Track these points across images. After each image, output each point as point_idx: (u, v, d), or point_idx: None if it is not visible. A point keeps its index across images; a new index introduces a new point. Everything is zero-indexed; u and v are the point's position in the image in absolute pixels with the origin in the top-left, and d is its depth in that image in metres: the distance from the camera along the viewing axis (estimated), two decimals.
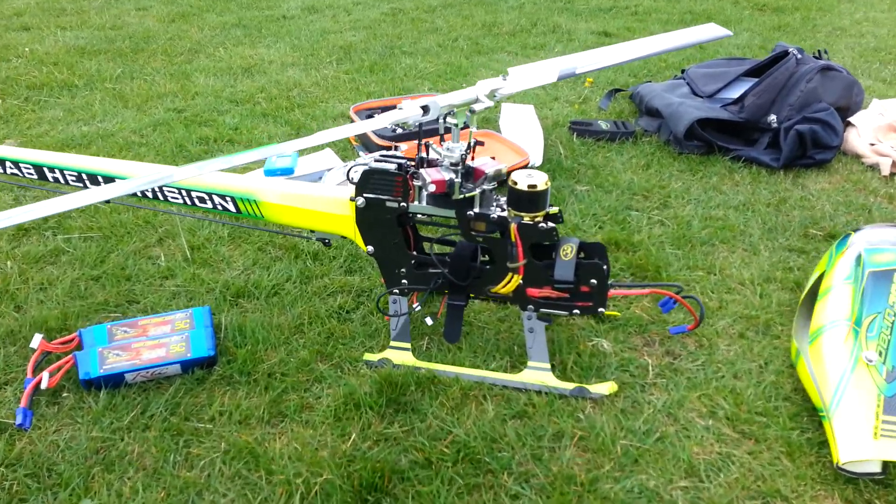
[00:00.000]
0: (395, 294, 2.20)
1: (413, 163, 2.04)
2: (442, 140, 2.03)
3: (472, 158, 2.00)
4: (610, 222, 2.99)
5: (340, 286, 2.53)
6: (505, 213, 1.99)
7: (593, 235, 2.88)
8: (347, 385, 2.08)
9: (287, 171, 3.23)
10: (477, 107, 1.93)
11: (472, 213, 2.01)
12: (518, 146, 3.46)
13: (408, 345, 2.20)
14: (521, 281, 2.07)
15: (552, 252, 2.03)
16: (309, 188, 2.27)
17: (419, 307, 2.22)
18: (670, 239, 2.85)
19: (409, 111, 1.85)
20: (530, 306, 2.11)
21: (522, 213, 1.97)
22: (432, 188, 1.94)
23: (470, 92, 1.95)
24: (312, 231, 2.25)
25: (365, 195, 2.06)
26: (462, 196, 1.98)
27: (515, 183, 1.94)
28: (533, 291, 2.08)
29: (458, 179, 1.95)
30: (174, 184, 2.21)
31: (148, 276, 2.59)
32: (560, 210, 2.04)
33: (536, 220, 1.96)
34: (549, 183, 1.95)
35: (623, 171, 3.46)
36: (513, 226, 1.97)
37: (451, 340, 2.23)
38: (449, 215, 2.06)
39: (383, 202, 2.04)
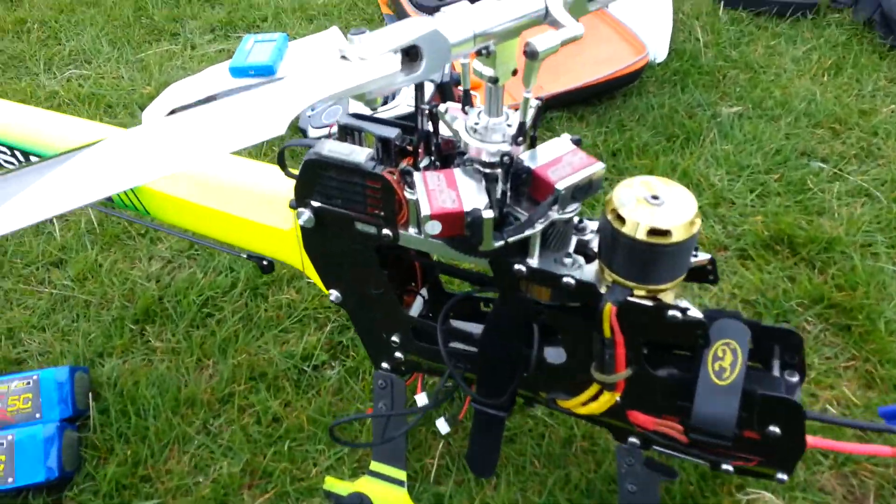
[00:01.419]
0: (384, 373, 1.19)
1: (411, 143, 0.95)
2: (464, 99, 0.91)
3: (530, 141, 0.89)
4: (777, 188, 1.78)
5: (308, 312, 1.52)
6: (593, 273, 0.89)
7: (747, 216, 1.70)
8: None
9: (265, 71, 2.10)
10: (541, 44, 0.74)
11: (522, 267, 0.91)
12: (628, 30, 2.17)
13: (402, 473, 1.22)
14: (617, 399, 1.02)
15: (689, 350, 0.96)
16: (228, 165, 1.19)
17: (426, 401, 1.22)
18: (888, 231, 1.65)
19: None
20: (634, 439, 1.07)
21: (631, 283, 0.86)
22: (433, 228, 0.85)
23: None
24: (232, 246, 1.22)
25: (314, 204, 0.98)
26: (504, 242, 0.86)
27: (618, 216, 0.82)
28: (642, 419, 1.04)
29: (494, 211, 0.85)
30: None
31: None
32: (713, 265, 0.94)
33: (660, 299, 0.86)
34: (697, 221, 0.81)
35: (797, 75, 2.16)
36: (609, 307, 0.86)
37: (480, 473, 1.24)
38: (478, 264, 1.00)
39: (349, 222, 0.97)
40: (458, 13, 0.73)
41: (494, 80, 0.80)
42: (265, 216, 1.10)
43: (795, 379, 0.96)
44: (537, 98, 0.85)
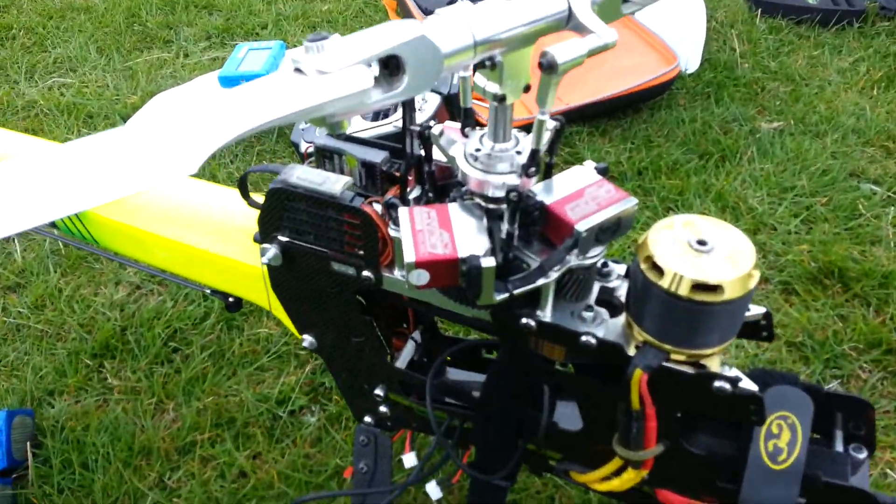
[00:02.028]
0: (367, 428, 1.02)
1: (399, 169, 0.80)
2: (463, 119, 0.75)
3: (546, 170, 0.73)
4: (825, 213, 1.60)
5: (288, 347, 1.36)
6: (618, 329, 0.72)
7: (791, 245, 1.52)
8: None
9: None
10: (561, 54, 0.58)
11: (530, 322, 0.74)
12: (657, 38, 2.01)
13: None
14: (645, 476, 0.83)
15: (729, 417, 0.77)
16: (187, 189, 1.04)
17: (414, 461, 1.06)
18: None
19: None
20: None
21: (668, 346, 0.68)
22: (420, 279, 0.68)
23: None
24: (193, 281, 1.07)
25: (281, 239, 0.83)
26: (508, 295, 0.69)
27: (654, 265, 0.64)
28: (674, 499, 0.86)
29: (497, 257, 0.68)
30: None
31: None
32: (769, 320, 0.76)
33: (704, 365, 0.67)
34: (755, 274, 0.63)
35: (843, 88, 1.98)
36: (638, 375, 0.68)
37: None
38: (477, 314, 0.84)
39: (323, 261, 0.82)
40: (454, 14, 0.57)
41: (501, 99, 0.64)
42: (227, 249, 0.95)
43: (863, 455, 0.78)
44: (555, 118, 0.69)
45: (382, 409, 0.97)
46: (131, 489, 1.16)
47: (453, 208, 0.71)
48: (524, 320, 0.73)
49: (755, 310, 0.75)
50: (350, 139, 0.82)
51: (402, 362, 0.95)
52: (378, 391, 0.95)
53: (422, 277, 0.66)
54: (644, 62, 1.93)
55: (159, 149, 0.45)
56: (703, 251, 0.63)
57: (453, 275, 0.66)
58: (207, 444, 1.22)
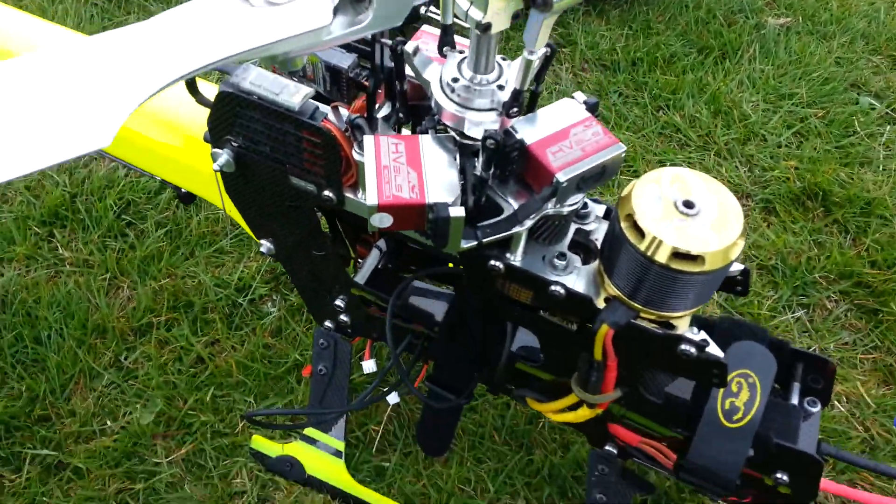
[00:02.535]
0: (327, 331, 1.02)
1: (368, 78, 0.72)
2: (442, 37, 0.68)
3: (531, 99, 0.69)
4: (819, 127, 1.55)
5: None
6: (590, 277, 0.70)
7: (779, 160, 1.49)
8: None
9: None
10: None
11: (499, 264, 0.71)
12: None
13: (339, 443, 1.08)
14: (599, 413, 0.86)
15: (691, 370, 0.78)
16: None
17: (374, 368, 1.07)
18: None
19: None
20: (611, 448, 0.94)
21: (638, 305, 0.67)
22: (381, 221, 0.64)
23: None
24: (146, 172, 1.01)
25: (234, 144, 0.77)
26: (477, 243, 0.66)
27: (635, 224, 0.61)
28: (625, 434, 0.89)
29: (469, 199, 0.65)
30: None
31: None
32: (746, 276, 0.75)
33: (673, 325, 0.67)
34: (740, 243, 0.61)
35: None
36: (604, 330, 0.67)
37: (432, 453, 1.10)
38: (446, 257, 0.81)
39: (280, 174, 0.76)
40: None
41: (485, 28, 0.57)
42: (175, 142, 0.88)
43: (816, 409, 0.80)
44: (546, 44, 0.61)
45: (343, 317, 0.96)
46: (86, 367, 1.16)
47: (424, 141, 0.65)
48: (492, 262, 0.70)
49: (734, 266, 0.74)
50: None
51: (363, 274, 0.92)
52: (338, 302, 0.93)
53: (384, 220, 0.62)
54: None
55: (73, 119, 0.38)
56: (689, 214, 0.59)
57: (419, 220, 0.62)
58: (164, 326, 1.21)
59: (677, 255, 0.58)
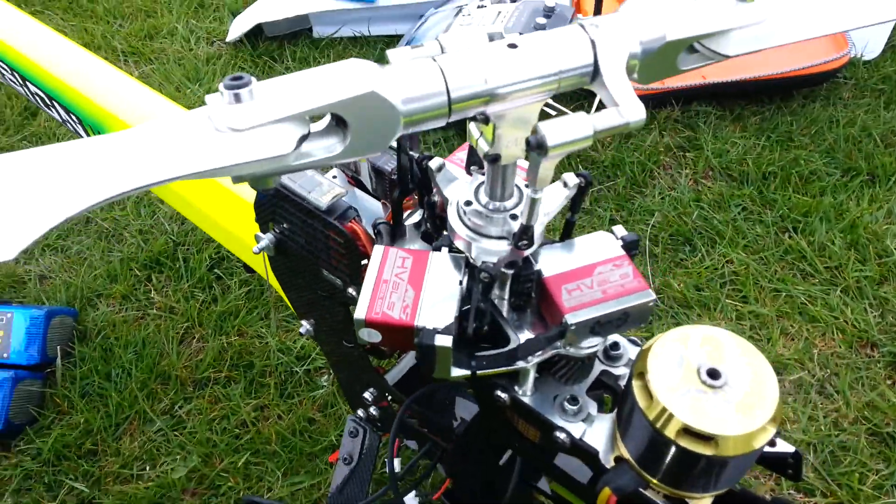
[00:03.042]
0: (357, 420, 1.01)
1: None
2: (469, 156, 0.67)
3: (566, 228, 0.68)
4: None
5: None
6: (603, 432, 0.63)
7: None
8: None
9: None
10: (555, 134, 0.47)
11: (504, 396, 0.66)
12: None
13: None
14: None
15: None
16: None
17: (398, 468, 1.03)
18: None
19: None
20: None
21: (648, 476, 0.58)
22: (370, 337, 0.62)
23: None
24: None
25: (275, 230, 0.81)
26: (471, 374, 0.62)
27: (646, 386, 0.54)
28: None
29: (470, 326, 0.62)
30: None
31: None
32: (797, 461, 0.63)
33: None
34: (769, 429, 0.51)
35: None
36: (606, 494, 0.59)
37: None
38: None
39: (314, 265, 0.80)
40: (423, 63, 0.46)
41: (493, 159, 0.54)
42: (231, 220, 0.93)
43: None
44: (580, 174, 0.58)
45: (372, 410, 0.94)
46: (142, 410, 1.22)
47: (434, 259, 0.62)
48: (498, 392, 0.65)
49: (783, 446, 0.63)
50: None
51: (396, 373, 0.91)
52: (366, 395, 0.92)
53: (373, 336, 0.60)
54: (808, 43, 1.65)
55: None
56: (712, 386, 0.51)
57: (407, 341, 0.59)
58: (222, 382, 1.25)
59: (688, 432, 0.50)
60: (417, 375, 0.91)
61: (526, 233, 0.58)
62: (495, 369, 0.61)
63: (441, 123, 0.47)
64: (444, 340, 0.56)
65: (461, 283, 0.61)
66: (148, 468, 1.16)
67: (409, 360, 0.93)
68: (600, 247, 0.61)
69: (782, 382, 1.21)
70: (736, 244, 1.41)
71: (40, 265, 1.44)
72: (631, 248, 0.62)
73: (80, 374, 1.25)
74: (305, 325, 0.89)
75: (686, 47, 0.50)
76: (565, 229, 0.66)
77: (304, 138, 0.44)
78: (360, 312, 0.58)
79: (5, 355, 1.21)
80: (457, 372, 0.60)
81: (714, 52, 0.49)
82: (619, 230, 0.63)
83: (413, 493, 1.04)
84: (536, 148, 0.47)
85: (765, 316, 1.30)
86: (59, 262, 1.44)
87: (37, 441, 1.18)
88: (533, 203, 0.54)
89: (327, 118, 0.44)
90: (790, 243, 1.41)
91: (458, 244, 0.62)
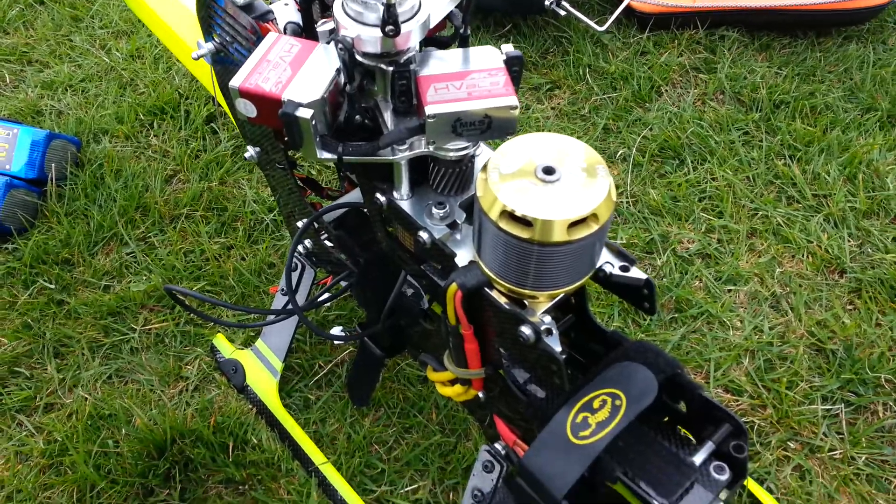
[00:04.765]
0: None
1: None
2: None
3: (461, 42, 0.72)
4: None
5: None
6: (466, 234, 0.71)
7: None
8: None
9: None
10: None
11: (381, 198, 0.74)
12: None
13: (279, 363, 1.14)
14: (479, 395, 0.83)
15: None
16: None
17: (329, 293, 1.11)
18: None
19: None
20: (501, 447, 0.89)
21: (492, 274, 0.65)
22: (246, 109, 0.71)
23: None
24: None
25: (216, 39, 0.91)
26: (336, 157, 0.70)
27: (485, 180, 0.60)
28: (503, 430, 0.85)
29: (341, 113, 0.70)
30: None
31: None
32: (651, 290, 0.68)
33: (523, 304, 0.65)
34: (593, 222, 0.57)
35: None
36: (453, 289, 0.66)
37: (355, 402, 1.12)
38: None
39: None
40: None
41: None
42: (181, 27, 1.02)
43: (722, 477, 0.67)
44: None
45: (306, 241, 1.02)
46: (119, 233, 1.34)
47: (320, 48, 0.69)
48: (377, 195, 0.72)
49: (636, 273, 0.67)
50: None
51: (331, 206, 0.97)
52: (298, 224, 1.00)
53: (248, 108, 0.67)
54: None
55: None
56: (543, 180, 0.56)
57: (276, 117, 0.66)
58: (196, 220, 1.35)
59: (510, 216, 0.55)
60: (358, 219, 0.96)
61: (391, 15, 0.63)
62: (358, 156, 0.67)
63: None
64: (305, 112, 0.63)
65: (338, 70, 0.67)
66: (116, 283, 1.28)
67: (349, 198, 0.99)
68: (482, 58, 0.67)
69: (736, 293, 1.23)
70: (725, 163, 1.42)
71: (60, 102, 1.58)
72: (512, 63, 0.67)
73: (69, 195, 1.38)
74: (250, 151, 0.98)
75: None
76: (460, 44, 0.71)
77: None
78: (234, 81, 0.65)
79: (7, 167, 1.35)
80: (323, 154, 0.67)
81: None
82: (507, 47, 0.68)
83: (339, 328, 1.11)
84: None
85: (735, 231, 1.30)
86: (76, 101, 1.57)
87: (20, 243, 1.31)
88: None
89: None
90: (782, 169, 1.40)
91: (342, 33, 0.68)
